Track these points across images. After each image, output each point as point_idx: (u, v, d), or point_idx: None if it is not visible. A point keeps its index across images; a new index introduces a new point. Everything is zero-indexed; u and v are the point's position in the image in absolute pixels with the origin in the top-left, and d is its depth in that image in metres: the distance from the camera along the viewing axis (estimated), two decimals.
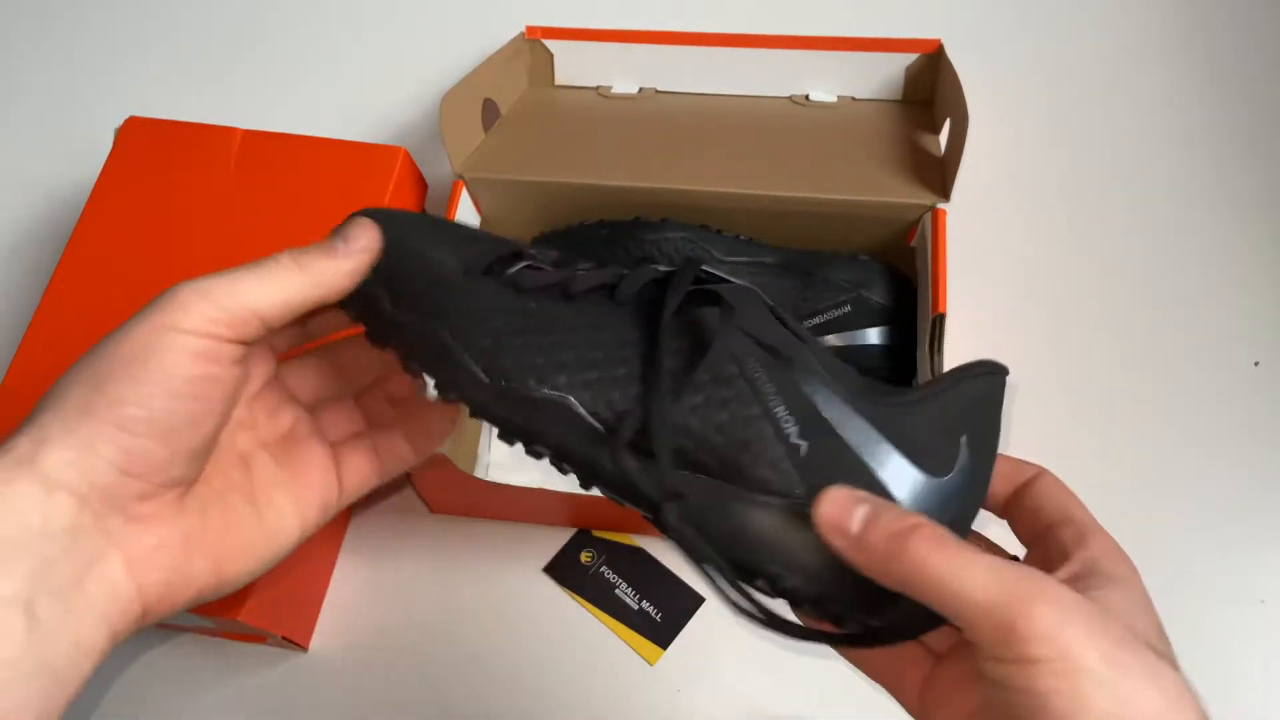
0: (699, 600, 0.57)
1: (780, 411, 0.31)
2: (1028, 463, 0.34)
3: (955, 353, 0.55)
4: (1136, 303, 0.64)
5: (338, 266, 0.33)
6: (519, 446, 0.33)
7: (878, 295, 0.58)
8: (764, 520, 0.31)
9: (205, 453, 0.33)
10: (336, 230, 0.34)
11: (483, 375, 0.31)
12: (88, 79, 0.79)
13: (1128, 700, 0.25)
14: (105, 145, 0.61)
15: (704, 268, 0.35)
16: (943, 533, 0.28)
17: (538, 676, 0.56)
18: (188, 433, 0.31)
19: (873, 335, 0.58)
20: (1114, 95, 0.72)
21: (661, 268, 0.34)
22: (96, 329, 0.55)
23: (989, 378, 0.33)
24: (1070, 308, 0.64)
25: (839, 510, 0.29)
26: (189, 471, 0.32)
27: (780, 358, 0.32)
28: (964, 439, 0.32)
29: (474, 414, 0.32)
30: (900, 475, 0.31)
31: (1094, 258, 0.66)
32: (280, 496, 0.36)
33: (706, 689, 0.55)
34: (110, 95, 0.77)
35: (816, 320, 0.58)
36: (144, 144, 0.61)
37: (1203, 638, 0.55)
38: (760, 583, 0.31)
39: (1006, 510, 0.34)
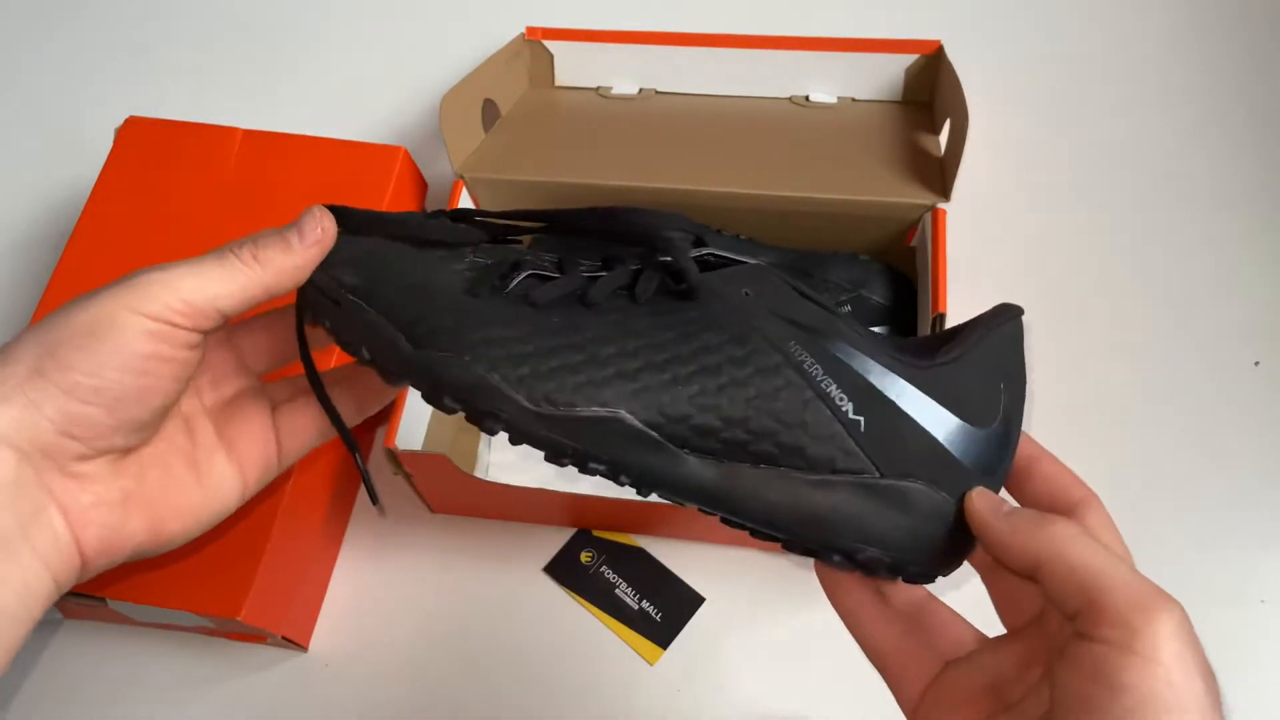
0: (699, 600, 0.57)
1: (832, 390, 0.31)
2: (1082, 484, 0.34)
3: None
4: (1136, 302, 0.64)
5: (294, 260, 0.34)
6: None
7: (878, 295, 0.58)
8: (837, 500, 0.31)
9: (151, 425, 0.34)
10: (293, 223, 0.35)
11: (526, 403, 0.31)
12: (88, 79, 0.79)
13: None
14: (105, 145, 0.61)
15: (710, 251, 0.35)
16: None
17: (538, 676, 0.56)
18: (135, 406, 0.33)
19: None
20: (1114, 95, 0.72)
21: (667, 258, 0.34)
22: None
23: (1011, 321, 0.35)
24: (1070, 307, 0.64)
25: (991, 502, 0.31)
26: (131, 440, 0.34)
27: (816, 333, 0.32)
28: (1002, 385, 0.33)
29: (515, 440, 0.32)
30: (956, 435, 0.32)
31: (1094, 257, 0.66)
32: (221, 461, 0.37)
33: (706, 689, 0.55)
34: (110, 95, 0.77)
35: None
36: (144, 144, 0.61)
37: (1203, 637, 0.55)
38: (836, 557, 0.32)
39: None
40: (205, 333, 0.34)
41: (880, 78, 0.65)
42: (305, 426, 0.39)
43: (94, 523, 0.33)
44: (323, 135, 0.60)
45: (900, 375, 0.32)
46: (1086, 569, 0.28)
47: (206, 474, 0.37)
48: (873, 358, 0.32)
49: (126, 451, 0.34)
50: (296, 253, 0.34)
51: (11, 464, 0.31)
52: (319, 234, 0.35)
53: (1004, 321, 0.34)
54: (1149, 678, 0.26)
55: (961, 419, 0.32)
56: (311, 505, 0.56)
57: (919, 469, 0.32)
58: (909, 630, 0.34)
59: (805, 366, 0.32)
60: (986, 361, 0.33)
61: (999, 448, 0.33)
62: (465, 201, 0.60)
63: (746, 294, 0.33)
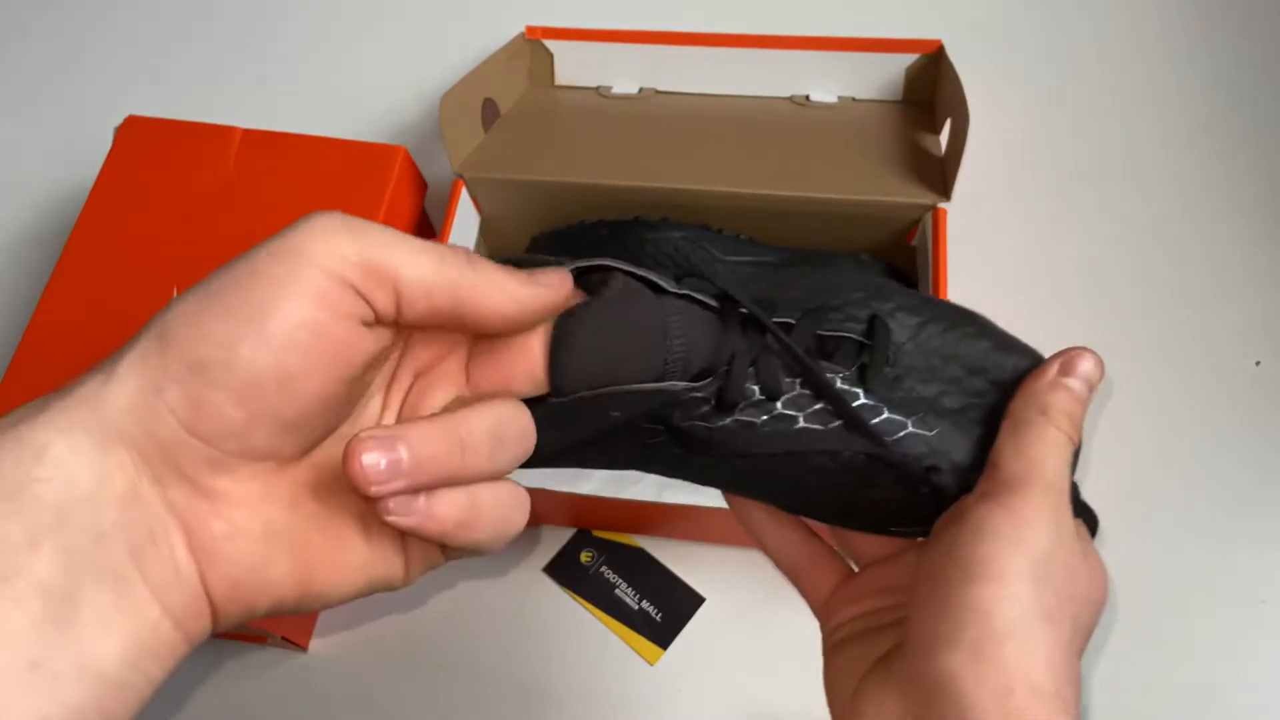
0: (699, 600, 0.57)
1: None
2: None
3: None
4: (1137, 302, 0.64)
5: (512, 284, 0.27)
6: None
7: None
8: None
9: (303, 427, 0.25)
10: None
11: None
12: (88, 79, 0.79)
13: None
14: (105, 145, 0.61)
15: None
16: None
17: (538, 676, 0.56)
18: (275, 394, 0.24)
19: None
20: (1115, 95, 0.72)
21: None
22: (96, 329, 0.56)
23: None
24: (1070, 307, 0.64)
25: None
26: (276, 444, 0.25)
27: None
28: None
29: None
30: None
31: (1094, 257, 0.66)
32: None
33: (706, 689, 0.55)
34: (110, 95, 0.77)
35: None
36: (143, 143, 0.61)
37: (1203, 638, 0.55)
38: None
39: None
40: (372, 307, 0.25)
41: (881, 77, 0.65)
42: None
43: (225, 559, 0.24)
44: (322, 135, 0.60)
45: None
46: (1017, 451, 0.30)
47: (379, 529, 0.27)
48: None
49: (278, 467, 0.26)
50: (518, 279, 0.27)
51: (129, 469, 0.23)
52: (555, 282, 0.28)
53: None
54: (1005, 522, 0.28)
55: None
56: None
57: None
58: (812, 538, 0.36)
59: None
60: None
61: None
62: (465, 201, 0.60)
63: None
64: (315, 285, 0.24)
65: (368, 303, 0.25)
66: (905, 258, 0.60)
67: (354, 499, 0.26)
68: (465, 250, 0.27)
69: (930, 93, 0.64)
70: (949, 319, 0.33)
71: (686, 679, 0.56)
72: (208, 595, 0.25)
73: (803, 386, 0.31)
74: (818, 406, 0.31)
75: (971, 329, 0.33)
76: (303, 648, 0.57)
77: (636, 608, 0.57)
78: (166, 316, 0.24)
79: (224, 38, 0.80)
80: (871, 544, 0.36)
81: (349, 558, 0.26)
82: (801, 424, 0.31)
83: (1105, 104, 0.71)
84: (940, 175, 0.58)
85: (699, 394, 0.30)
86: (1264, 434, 0.60)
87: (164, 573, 0.24)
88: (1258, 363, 0.62)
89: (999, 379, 0.32)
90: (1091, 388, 0.31)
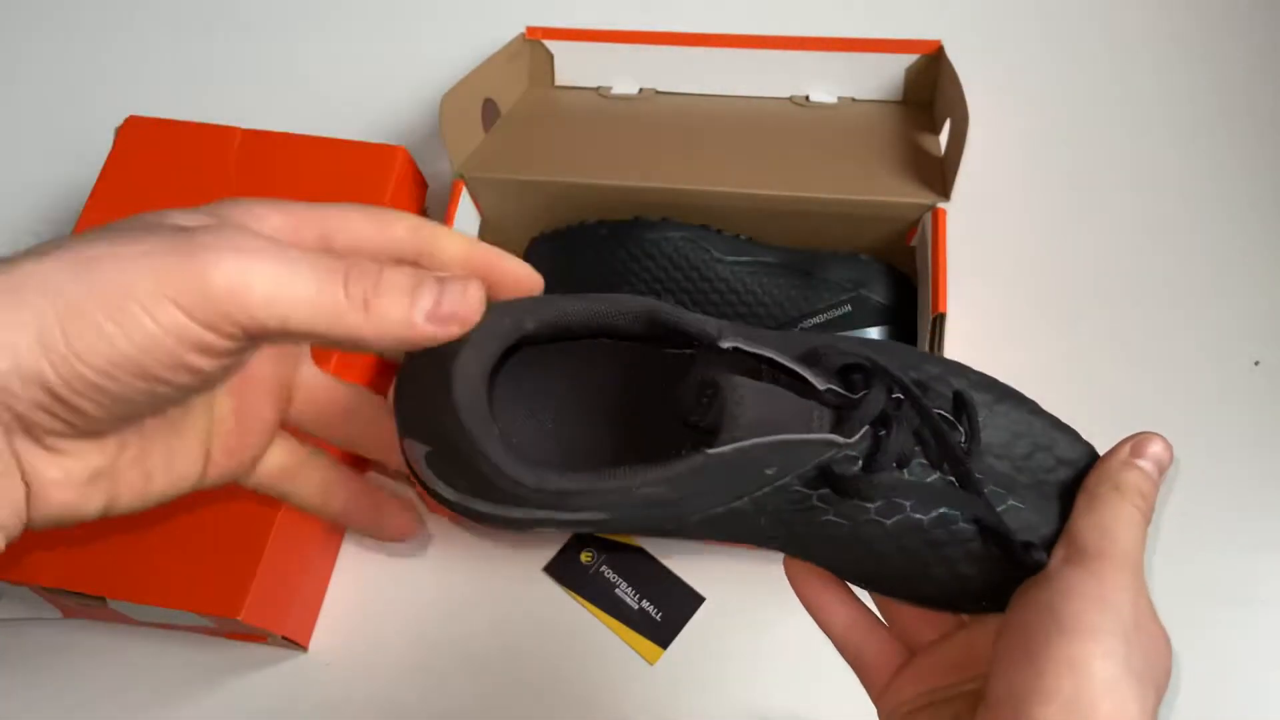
0: (699, 600, 0.57)
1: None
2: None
3: (955, 352, 0.55)
4: (1137, 302, 0.64)
5: (409, 335, 0.27)
6: None
7: (878, 295, 0.58)
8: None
9: (146, 418, 0.29)
10: (433, 280, 0.28)
11: None
12: (88, 79, 0.79)
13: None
14: (105, 145, 0.61)
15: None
16: None
17: (538, 676, 0.56)
18: (136, 408, 0.27)
19: (873, 335, 0.58)
20: (1115, 95, 0.72)
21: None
22: None
23: None
24: (1070, 307, 0.64)
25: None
26: (122, 427, 0.28)
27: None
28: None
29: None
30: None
31: (1094, 257, 0.66)
32: (196, 452, 0.31)
33: (706, 689, 0.55)
34: (110, 95, 0.77)
35: (816, 320, 0.58)
36: (144, 143, 0.61)
37: (1203, 638, 0.55)
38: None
39: None
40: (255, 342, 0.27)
41: (880, 78, 0.65)
42: (308, 477, 0.35)
43: (53, 501, 0.28)
44: (322, 135, 0.60)
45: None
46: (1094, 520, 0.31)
47: (180, 460, 0.31)
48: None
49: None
50: (416, 329, 0.27)
51: None
52: (456, 314, 0.27)
53: None
54: (1092, 585, 0.29)
55: None
56: None
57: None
58: (876, 624, 0.37)
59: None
60: None
61: None
62: (465, 201, 0.60)
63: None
64: (190, 334, 0.26)
65: (248, 342, 0.27)
66: (905, 258, 0.60)
67: (170, 439, 0.30)
68: (371, 281, 0.27)
69: (930, 93, 0.65)
70: (1014, 396, 0.33)
71: (686, 679, 0.56)
72: (28, 519, 0.28)
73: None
74: (934, 477, 0.31)
75: (1032, 406, 0.34)
76: (303, 647, 0.57)
77: (636, 607, 0.57)
78: (46, 299, 0.25)
79: (224, 38, 0.80)
80: (921, 623, 0.36)
81: (150, 487, 0.31)
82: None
83: (1105, 104, 0.71)
84: (940, 175, 0.58)
85: (852, 452, 0.30)
86: (1263, 434, 0.60)
87: (5, 510, 0.27)
88: (1257, 363, 0.62)
89: (1064, 457, 0.33)
90: (1162, 470, 0.32)
